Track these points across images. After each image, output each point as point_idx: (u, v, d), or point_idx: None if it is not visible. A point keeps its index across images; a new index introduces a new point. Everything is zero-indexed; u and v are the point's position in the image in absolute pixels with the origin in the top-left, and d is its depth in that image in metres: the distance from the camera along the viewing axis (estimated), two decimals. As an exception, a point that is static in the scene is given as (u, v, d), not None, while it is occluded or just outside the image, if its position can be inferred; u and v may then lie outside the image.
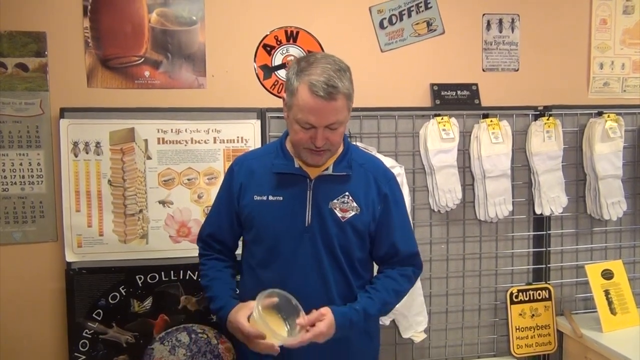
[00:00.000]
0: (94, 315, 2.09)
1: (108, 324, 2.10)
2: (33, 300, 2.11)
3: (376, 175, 1.57)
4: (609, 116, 2.35)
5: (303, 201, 1.49)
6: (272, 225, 1.49)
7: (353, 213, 1.50)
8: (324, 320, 1.39)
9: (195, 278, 2.12)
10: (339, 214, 1.49)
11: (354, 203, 1.50)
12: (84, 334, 2.08)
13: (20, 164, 2.05)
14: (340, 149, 1.56)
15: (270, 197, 1.50)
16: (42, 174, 2.07)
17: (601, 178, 2.35)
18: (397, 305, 2.03)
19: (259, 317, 1.29)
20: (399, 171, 2.16)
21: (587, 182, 2.42)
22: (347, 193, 1.50)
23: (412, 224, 1.66)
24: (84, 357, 2.09)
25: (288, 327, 1.37)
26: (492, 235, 2.39)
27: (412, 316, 2.21)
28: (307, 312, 1.42)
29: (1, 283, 2.08)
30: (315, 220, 1.48)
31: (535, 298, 2.37)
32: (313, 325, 1.38)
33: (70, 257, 2.06)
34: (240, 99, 2.19)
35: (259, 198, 1.51)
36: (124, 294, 2.10)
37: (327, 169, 1.52)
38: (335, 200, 1.49)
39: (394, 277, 1.55)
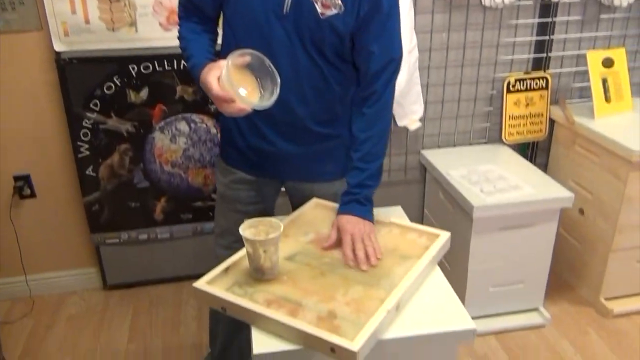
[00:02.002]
0: (91, 105, 2.09)
1: (107, 114, 2.12)
2: (28, 91, 2.09)
3: None
4: None
5: None
6: (249, 3, 1.37)
7: (335, 11, 1.35)
8: (340, 228, 1.39)
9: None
10: (319, 9, 1.35)
11: (339, 0, 1.35)
12: (83, 124, 2.12)
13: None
14: None
15: None
16: (14, -46, 1.90)
17: (618, -41, 2.19)
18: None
19: (226, 78, 1.22)
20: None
21: (601, -36, 2.26)
22: None
23: (401, 30, 1.47)
24: (87, 145, 2.15)
25: (262, 89, 1.30)
26: (495, 23, 2.30)
27: (407, 105, 2.23)
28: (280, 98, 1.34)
29: (-8, 74, 2.04)
30: (293, 9, 1.35)
31: (532, 87, 2.37)
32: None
33: (58, 47, 1.99)
34: None
35: None
36: (119, 84, 2.08)
37: None
38: None
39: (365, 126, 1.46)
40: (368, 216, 1.43)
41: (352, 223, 1.39)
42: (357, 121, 1.47)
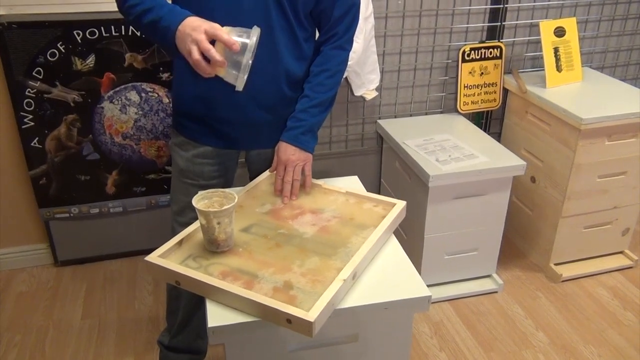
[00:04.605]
0: (34, 73, 1.99)
1: (51, 82, 2.02)
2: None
3: None
4: None
5: None
6: None
7: None
8: (277, 156, 1.44)
9: (138, 34, 2.01)
10: None
11: None
12: (27, 93, 2.01)
13: None
14: None
15: None
16: None
17: None
18: (350, 63, 2.04)
19: (251, 48, 1.13)
20: None
21: None
22: None
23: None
24: (31, 116, 2.05)
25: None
26: (450, -9, 2.29)
27: (364, 74, 2.21)
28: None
29: None
30: None
31: (486, 56, 2.38)
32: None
33: (-4, 11, 1.89)
34: None
35: None
36: (63, 50, 1.98)
37: None
38: None
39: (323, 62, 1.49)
40: (307, 147, 1.45)
41: (287, 153, 1.43)
42: (314, 60, 1.49)
